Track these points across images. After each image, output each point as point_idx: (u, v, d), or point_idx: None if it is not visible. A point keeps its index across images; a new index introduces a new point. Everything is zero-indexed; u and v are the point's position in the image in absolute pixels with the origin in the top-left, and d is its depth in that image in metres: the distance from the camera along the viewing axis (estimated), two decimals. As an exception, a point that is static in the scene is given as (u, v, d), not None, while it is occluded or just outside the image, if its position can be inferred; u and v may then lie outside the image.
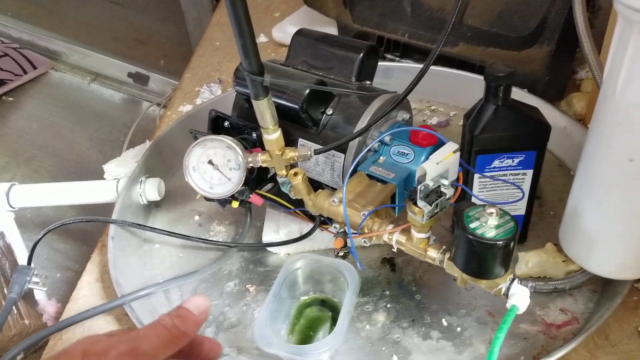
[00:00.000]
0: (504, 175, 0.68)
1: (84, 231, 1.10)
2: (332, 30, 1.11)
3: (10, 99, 1.63)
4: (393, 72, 0.98)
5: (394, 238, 0.62)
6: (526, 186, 0.69)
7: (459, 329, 0.67)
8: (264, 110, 0.59)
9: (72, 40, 1.81)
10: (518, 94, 0.91)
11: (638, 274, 0.59)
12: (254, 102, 0.59)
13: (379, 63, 1.00)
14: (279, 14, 1.24)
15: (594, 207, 0.57)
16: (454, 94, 0.98)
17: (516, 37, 0.91)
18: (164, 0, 1.51)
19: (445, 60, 1.00)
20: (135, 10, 1.66)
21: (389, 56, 1.06)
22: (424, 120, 0.97)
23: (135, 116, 1.45)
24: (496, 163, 0.67)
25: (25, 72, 1.75)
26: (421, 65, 1.01)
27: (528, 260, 0.70)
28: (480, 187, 0.69)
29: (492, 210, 0.53)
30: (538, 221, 0.78)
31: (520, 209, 0.72)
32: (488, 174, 0.66)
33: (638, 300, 0.68)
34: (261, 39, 1.18)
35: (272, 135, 0.62)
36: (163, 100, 1.32)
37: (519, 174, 0.68)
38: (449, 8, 0.95)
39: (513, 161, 0.67)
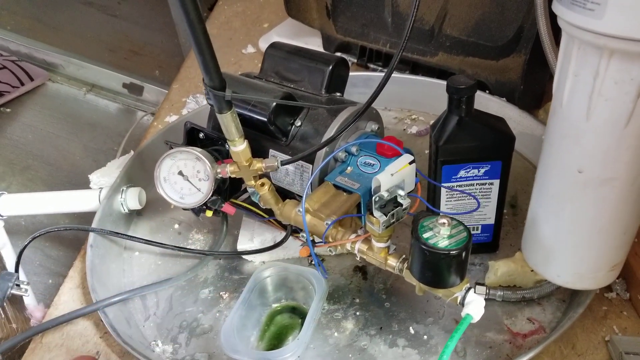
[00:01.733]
0: (471, 185, 0.69)
1: (77, 238, 1.13)
2: (317, 40, 1.12)
3: (8, 110, 1.68)
4: (375, 82, 0.99)
5: (356, 247, 0.63)
6: (494, 195, 0.70)
7: (425, 337, 0.68)
8: (229, 124, 0.61)
9: (69, 53, 1.85)
10: (496, 103, 0.92)
11: (595, 284, 0.59)
12: (218, 115, 0.60)
13: (361, 73, 1.02)
14: (268, 25, 1.26)
15: (549, 218, 0.57)
16: (434, 103, 0.99)
17: (493, 46, 0.92)
18: (159, 12, 1.54)
19: (426, 70, 1.01)
20: (131, 22, 1.69)
21: (371, 66, 1.07)
22: (404, 130, 0.98)
23: (129, 125, 1.48)
24: (462, 173, 0.68)
25: (23, 84, 1.79)
26: (402, 75, 1.03)
27: (497, 269, 0.71)
28: (447, 197, 0.70)
29: (444, 220, 0.54)
30: (511, 230, 0.79)
31: (489, 218, 0.73)
32: (449, 185, 0.67)
33: (607, 311, 0.69)
34: (249, 49, 1.20)
35: (239, 147, 0.64)
36: (157, 110, 1.35)
37: (485, 183, 0.69)
38: (429, 18, 0.96)
39: (479, 171, 0.68)
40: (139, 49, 1.72)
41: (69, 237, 1.09)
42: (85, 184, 0.93)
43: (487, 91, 0.95)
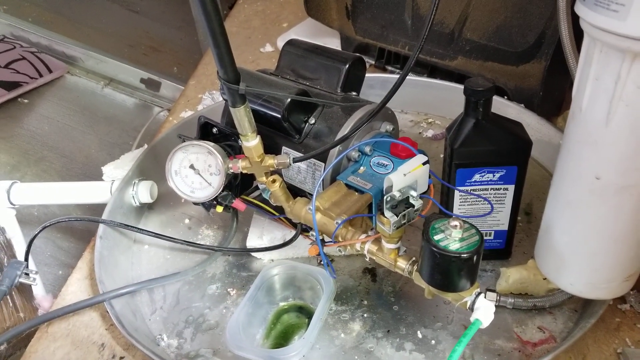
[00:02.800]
0: (485, 189, 0.68)
1: (88, 230, 1.13)
2: (335, 41, 1.12)
3: (26, 100, 1.69)
4: (392, 84, 0.98)
5: (366, 247, 0.62)
6: (508, 201, 0.69)
7: (433, 341, 0.67)
8: (242, 118, 0.61)
9: (89, 46, 1.87)
10: (515, 109, 0.91)
11: (609, 295, 0.58)
12: (231, 109, 0.60)
13: (379, 75, 1.02)
14: (287, 24, 1.26)
15: (564, 225, 0.56)
16: (451, 107, 0.96)
17: (513, 51, 0.91)
18: (179, 9, 1.55)
19: (444, 73, 1.01)
20: (151, 19, 1.70)
21: (389, 68, 1.07)
22: (420, 133, 0.97)
23: (145, 121, 1.49)
24: (477, 177, 0.67)
25: (41, 76, 1.80)
26: (419, 78, 1.02)
27: (509, 276, 0.69)
28: (461, 201, 0.69)
29: (456, 223, 0.53)
30: (525, 237, 0.78)
31: (503, 224, 0.71)
32: (463, 188, 0.66)
33: (620, 322, 0.67)
34: (267, 48, 1.20)
35: (251, 142, 0.63)
36: (173, 105, 1.36)
37: (500, 188, 0.68)
38: (449, 21, 0.96)
39: (494, 176, 0.67)
40: (158, 45, 1.74)
41: (80, 228, 1.10)
42: (99, 178, 0.94)
43: (506, 97, 0.94)
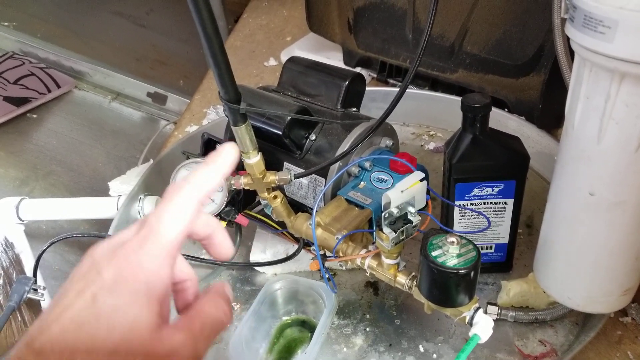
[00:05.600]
0: (485, 203, 0.69)
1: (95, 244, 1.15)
2: (338, 54, 1.13)
3: (34, 116, 1.72)
4: (393, 97, 1.00)
5: (366, 263, 0.63)
6: (507, 215, 0.70)
7: (434, 355, 0.67)
8: (243, 136, 0.62)
9: (96, 61, 1.91)
10: (515, 122, 0.92)
11: (607, 308, 0.58)
12: (232, 128, 0.61)
13: (380, 88, 1.03)
14: (290, 38, 1.28)
15: (560, 240, 0.57)
16: (452, 119, 0.97)
17: (513, 64, 0.92)
18: (186, 23, 1.57)
19: (445, 86, 1.02)
20: (158, 33, 1.73)
21: (391, 81, 1.08)
22: (421, 146, 0.98)
23: (152, 134, 1.52)
24: (476, 191, 0.68)
25: (50, 91, 1.84)
26: (421, 91, 1.03)
27: (510, 290, 0.70)
28: (461, 216, 0.70)
29: (453, 239, 0.54)
30: (526, 250, 0.78)
31: (503, 237, 0.72)
32: (462, 203, 0.67)
33: (622, 335, 0.68)
34: (271, 62, 1.21)
35: (252, 160, 0.64)
36: (178, 119, 1.38)
37: (499, 202, 0.69)
38: (449, 35, 0.97)
39: (493, 190, 0.68)
40: (165, 59, 1.76)
41: (87, 243, 1.11)
42: (106, 191, 0.95)
43: (506, 109, 0.95)
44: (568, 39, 0.48)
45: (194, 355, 0.36)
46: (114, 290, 0.34)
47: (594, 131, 0.48)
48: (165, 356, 0.35)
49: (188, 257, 0.79)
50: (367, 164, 0.69)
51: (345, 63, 1.13)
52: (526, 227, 0.82)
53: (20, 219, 0.94)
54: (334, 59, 1.14)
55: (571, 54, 0.67)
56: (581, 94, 0.48)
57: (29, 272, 0.95)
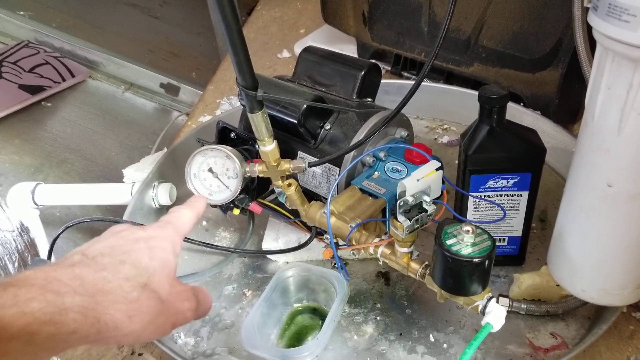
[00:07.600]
0: (499, 195, 0.69)
1: (108, 231, 1.16)
2: (352, 47, 1.13)
3: (49, 104, 1.74)
4: (407, 91, 0.99)
5: (379, 251, 0.63)
6: (522, 208, 0.70)
7: (445, 345, 0.67)
8: (259, 123, 0.62)
9: (110, 51, 1.92)
10: (531, 116, 0.91)
11: (621, 301, 0.58)
12: (249, 115, 0.62)
13: (395, 81, 1.03)
14: (304, 30, 1.28)
15: (576, 232, 0.57)
16: (466, 113, 0.97)
17: (530, 58, 0.91)
18: (199, 15, 1.57)
19: (460, 80, 1.01)
20: (172, 24, 1.74)
21: (405, 74, 1.08)
22: (435, 139, 0.98)
23: (164, 125, 1.52)
24: (490, 183, 0.68)
25: (64, 80, 1.85)
26: (436, 85, 1.03)
27: (522, 282, 0.70)
28: (475, 207, 0.70)
29: (468, 228, 0.54)
30: (539, 244, 0.78)
31: (516, 230, 0.72)
32: (477, 194, 0.67)
33: (634, 330, 0.67)
34: (284, 54, 1.21)
35: (268, 147, 0.65)
36: (191, 110, 1.38)
37: (514, 195, 0.68)
38: (466, 28, 0.96)
39: (508, 182, 0.68)
40: (178, 50, 1.77)
41: (100, 229, 1.11)
42: (119, 180, 0.96)
43: (522, 104, 0.94)
44: (589, 30, 0.48)
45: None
46: (152, 237, 0.49)
47: (614, 122, 0.47)
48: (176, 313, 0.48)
49: (201, 244, 0.80)
50: (381, 154, 0.69)
51: (360, 56, 1.13)
52: (540, 222, 0.81)
53: (35, 203, 0.94)
54: (348, 51, 1.13)
55: (591, 45, 0.67)
56: (602, 84, 0.48)
57: (43, 256, 0.96)
